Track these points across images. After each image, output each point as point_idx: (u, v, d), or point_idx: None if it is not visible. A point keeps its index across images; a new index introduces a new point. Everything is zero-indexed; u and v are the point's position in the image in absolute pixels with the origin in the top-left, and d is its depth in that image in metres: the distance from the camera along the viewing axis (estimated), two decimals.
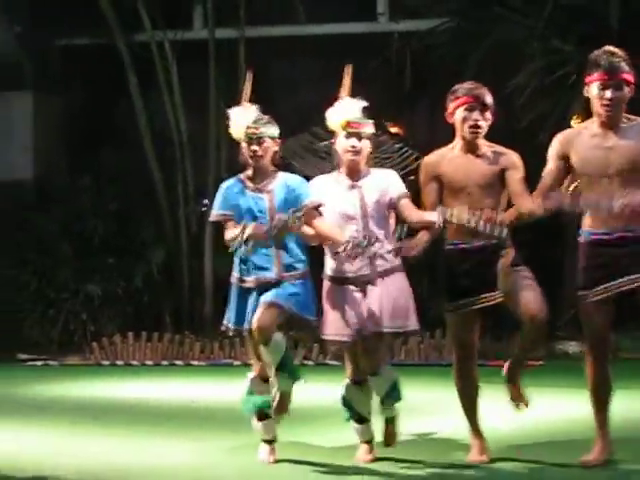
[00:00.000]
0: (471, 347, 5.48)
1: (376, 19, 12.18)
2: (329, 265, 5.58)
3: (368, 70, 10.59)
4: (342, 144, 5.50)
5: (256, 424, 5.63)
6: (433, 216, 5.26)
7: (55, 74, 12.19)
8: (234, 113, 5.64)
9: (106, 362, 10.76)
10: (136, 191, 11.85)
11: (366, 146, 5.52)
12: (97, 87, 12.09)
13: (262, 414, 5.58)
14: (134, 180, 11.86)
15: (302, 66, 11.63)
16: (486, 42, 10.46)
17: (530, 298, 5.23)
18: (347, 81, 5.68)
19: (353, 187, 5.52)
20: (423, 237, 5.38)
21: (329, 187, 5.57)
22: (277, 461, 5.56)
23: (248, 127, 5.52)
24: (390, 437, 5.68)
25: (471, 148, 5.37)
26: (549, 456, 5.51)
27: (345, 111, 5.53)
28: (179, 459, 5.83)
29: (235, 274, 5.59)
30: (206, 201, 11.70)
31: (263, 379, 5.56)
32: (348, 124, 5.47)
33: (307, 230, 5.40)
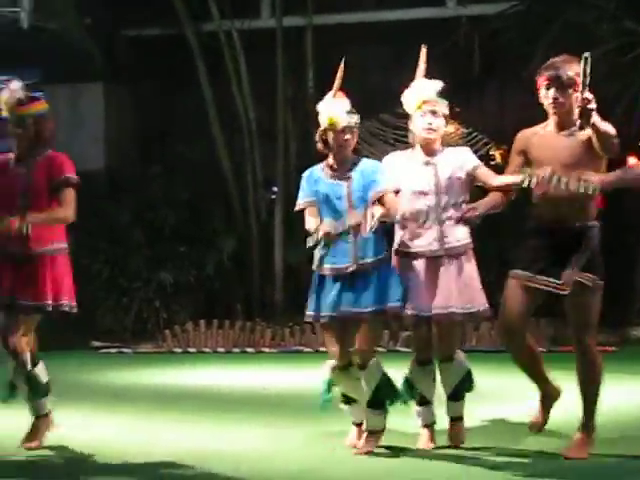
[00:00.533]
0: (517, 321, 5.31)
1: (444, 4, 12.09)
2: (400, 240, 5.60)
3: (436, 55, 10.54)
4: (418, 122, 5.54)
5: (345, 408, 5.69)
6: (517, 178, 5.24)
7: (125, 65, 12.31)
8: (326, 102, 5.62)
9: (178, 349, 10.87)
10: (206, 180, 11.93)
11: (441, 124, 5.56)
12: (166, 77, 12.19)
13: (347, 399, 5.63)
14: (204, 169, 11.94)
15: (370, 53, 11.58)
16: (556, 24, 10.32)
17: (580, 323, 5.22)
18: (422, 62, 5.71)
19: (428, 163, 5.56)
20: (491, 199, 5.38)
21: (403, 163, 5.61)
22: (349, 447, 5.58)
23: (341, 117, 5.51)
24: (456, 437, 5.63)
25: (561, 126, 5.29)
26: (625, 447, 5.44)
27: (421, 91, 5.57)
28: (250, 445, 5.88)
29: (315, 261, 5.62)
30: (275, 189, 11.75)
31: (342, 367, 5.57)
32: (424, 102, 5.51)
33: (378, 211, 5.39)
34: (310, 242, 5.43)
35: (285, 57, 11.60)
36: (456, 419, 5.65)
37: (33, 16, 11.47)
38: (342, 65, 5.67)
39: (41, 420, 5.77)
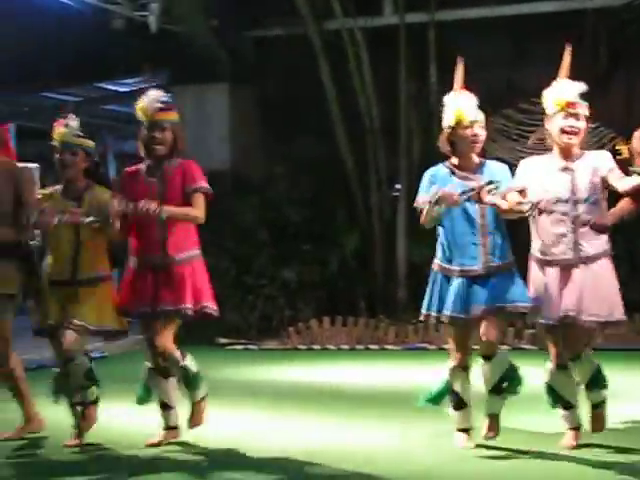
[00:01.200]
0: None
1: None
2: (535, 246, 5.55)
3: (560, 49, 10.39)
4: (559, 124, 5.42)
5: (452, 412, 5.63)
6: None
7: (249, 65, 12.46)
8: (451, 99, 5.59)
9: (303, 346, 10.96)
10: (329, 178, 12.00)
11: (583, 127, 5.44)
12: (290, 76, 12.30)
13: (458, 403, 5.58)
14: (327, 167, 12.00)
15: (492, 48, 11.48)
16: None
17: None
18: (566, 61, 5.60)
19: (565, 169, 5.45)
20: (620, 208, 5.31)
21: (539, 168, 5.50)
22: (477, 446, 5.55)
23: (469, 111, 5.49)
24: (598, 422, 5.58)
25: None
26: None
27: (563, 92, 5.45)
28: (377, 442, 5.91)
29: (437, 261, 5.59)
30: (398, 186, 11.74)
31: (463, 368, 5.55)
32: (568, 104, 5.40)
33: (501, 203, 5.34)
34: (426, 207, 5.36)
35: (408, 54, 11.59)
36: (597, 405, 5.57)
37: (161, 20, 11.70)
38: (461, 62, 5.62)
39: (200, 403, 5.94)
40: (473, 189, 5.29)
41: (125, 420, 6.55)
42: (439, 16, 11.69)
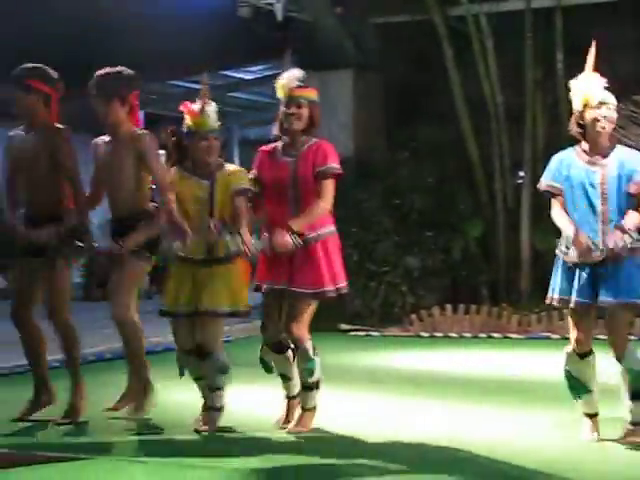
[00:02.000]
0: None
1: None
2: None
3: None
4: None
5: (576, 399, 5.55)
6: None
7: (373, 52, 12.47)
8: (581, 81, 5.49)
9: (425, 333, 10.96)
10: (453, 164, 11.94)
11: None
12: (414, 63, 12.27)
13: (579, 388, 5.50)
14: (451, 153, 11.95)
15: (621, 33, 11.25)
16: None
17: None
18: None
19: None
20: None
21: None
22: (600, 439, 5.46)
23: (598, 92, 5.39)
24: None
25: None
26: None
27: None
28: (499, 430, 5.87)
29: (561, 247, 5.52)
30: (522, 174, 11.62)
31: (580, 354, 5.46)
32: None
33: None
34: (561, 248, 5.39)
35: (533, 39, 11.44)
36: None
37: (287, 8, 11.80)
38: (593, 47, 5.52)
39: (312, 411, 5.85)
40: (602, 250, 5.27)
41: (251, 403, 6.65)
42: (566, 1, 11.50)
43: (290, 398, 5.95)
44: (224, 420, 5.88)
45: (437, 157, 11.89)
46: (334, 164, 5.73)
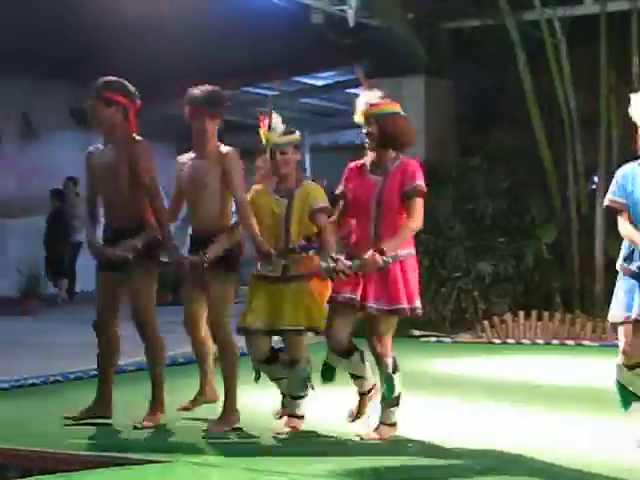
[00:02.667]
0: None
1: None
2: None
3: None
4: None
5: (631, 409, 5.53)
6: None
7: (445, 57, 12.45)
8: (637, 98, 5.49)
9: (497, 340, 10.90)
10: (525, 170, 11.87)
11: None
12: (486, 68, 12.22)
13: (631, 399, 5.48)
14: (523, 159, 11.89)
15: None
16: None
17: None
18: None
19: None
20: None
21: None
22: None
23: None
24: None
25: None
26: None
27: None
28: (573, 439, 5.84)
29: (620, 261, 5.48)
30: (596, 179, 11.50)
31: (629, 367, 5.42)
32: None
33: None
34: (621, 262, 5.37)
35: (608, 43, 11.32)
36: None
37: (359, 14, 11.83)
38: None
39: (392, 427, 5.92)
40: None
41: (321, 408, 6.68)
42: None
43: (362, 394, 6.01)
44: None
45: (509, 162, 11.84)
46: (420, 182, 5.78)
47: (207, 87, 6.05)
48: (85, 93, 6.22)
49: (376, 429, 5.81)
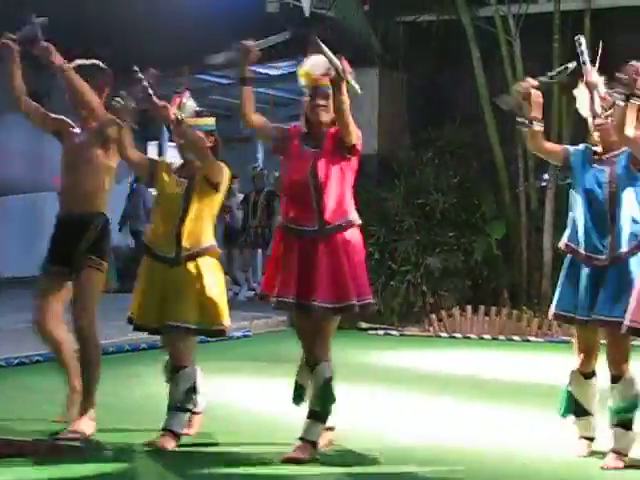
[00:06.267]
0: None
1: None
2: None
3: None
4: None
5: (573, 419, 5.41)
6: None
7: (400, 50, 12.45)
8: (580, 94, 5.54)
9: (445, 334, 10.94)
10: (477, 165, 11.92)
11: None
12: (440, 62, 12.24)
13: (579, 410, 5.35)
14: (475, 154, 11.93)
15: None
16: None
17: None
18: None
19: None
20: None
21: None
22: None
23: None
24: None
25: None
26: None
27: None
28: (511, 435, 5.88)
29: (564, 240, 5.36)
30: (546, 176, 11.57)
31: (584, 374, 5.35)
32: None
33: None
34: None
35: (562, 42, 11.38)
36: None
37: (314, 4, 11.80)
38: (599, 52, 5.42)
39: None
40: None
41: (272, 397, 6.66)
42: (595, 3, 11.46)
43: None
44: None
45: (461, 157, 11.87)
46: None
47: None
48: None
49: (296, 450, 5.14)
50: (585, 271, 5.21)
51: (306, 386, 5.29)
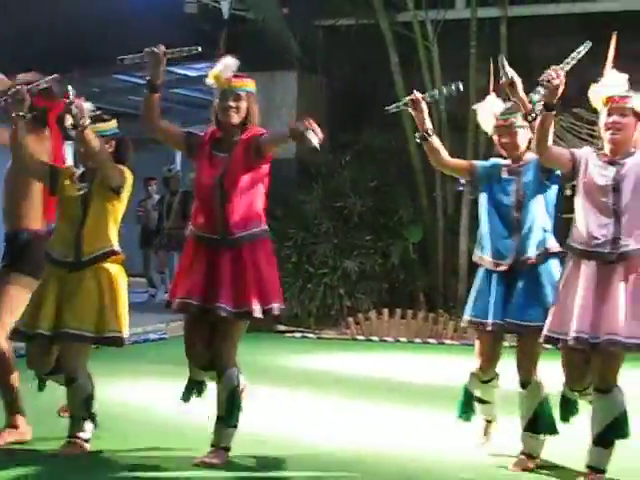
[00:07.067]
0: None
1: None
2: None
3: (633, 49, 10.25)
4: (603, 121, 4.99)
5: (477, 405, 5.58)
6: None
7: (319, 54, 12.47)
8: (480, 108, 5.61)
9: (361, 337, 10.97)
10: (395, 169, 11.98)
11: (630, 124, 4.92)
12: (359, 66, 12.29)
13: (480, 400, 5.52)
14: (393, 158, 11.99)
15: (565, 45, 11.28)
16: None
17: None
18: (612, 52, 5.28)
19: (611, 163, 4.96)
20: None
21: (589, 159, 5.04)
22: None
23: (497, 119, 5.46)
24: None
25: None
26: None
27: (608, 86, 5.07)
28: (426, 436, 5.90)
29: (477, 252, 5.48)
30: (463, 181, 11.65)
31: (483, 381, 5.45)
32: (609, 100, 4.99)
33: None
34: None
35: (479, 49, 11.51)
36: (597, 470, 4.89)
37: (233, 6, 11.77)
38: (503, 63, 5.43)
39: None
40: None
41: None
42: (512, 11, 11.62)
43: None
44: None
45: (380, 161, 11.92)
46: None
47: None
48: None
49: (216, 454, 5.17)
50: (495, 277, 5.30)
51: (200, 381, 5.35)
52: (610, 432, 4.83)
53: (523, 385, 5.23)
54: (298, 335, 11.08)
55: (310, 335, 11.09)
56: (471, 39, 11.51)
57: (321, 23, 12.52)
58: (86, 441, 5.31)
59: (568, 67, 4.92)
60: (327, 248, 11.43)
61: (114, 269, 5.36)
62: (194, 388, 5.38)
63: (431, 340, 10.78)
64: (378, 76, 12.09)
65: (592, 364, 4.87)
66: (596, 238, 4.83)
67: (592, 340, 4.72)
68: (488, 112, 5.54)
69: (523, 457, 5.23)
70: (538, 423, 5.22)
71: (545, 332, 4.93)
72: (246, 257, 5.10)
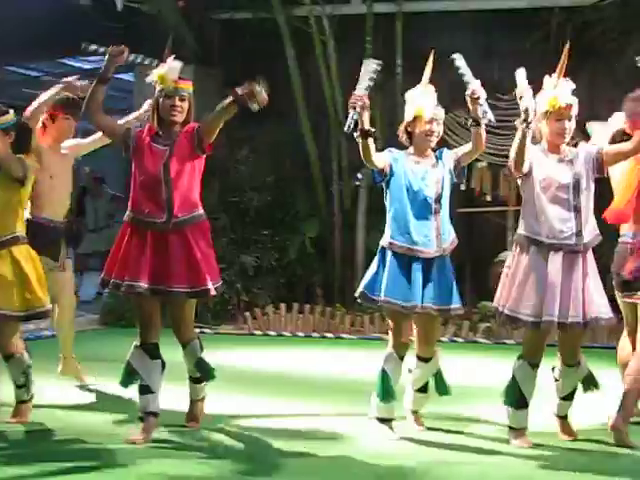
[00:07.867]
0: None
1: None
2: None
3: (527, 45, 10.44)
4: (552, 126, 5.43)
5: (377, 401, 5.72)
6: None
7: (215, 47, 12.41)
8: (415, 93, 5.72)
9: (259, 332, 10.96)
10: (292, 164, 11.99)
11: (571, 127, 5.46)
12: (256, 60, 12.25)
13: (388, 394, 5.67)
14: (290, 153, 12.00)
15: (459, 42, 11.49)
16: None
17: None
18: (564, 61, 5.60)
19: (561, 161, 5.44)
20: None
21: (540, 158, 5.46)
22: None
23: (429, 108, 5.65)
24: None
25: None
26: None
27: (556, 93, 5.45)
28: (322, 428, 5.94)
29: (388, 238, 5.62)
30: (360, 176, 11.75)
31: (399, 356, 5.65)
32: (565, 107, 5.41)
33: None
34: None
35: (374, 44, 11.58)
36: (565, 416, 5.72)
37: None
38: (432, 56, 5.64)
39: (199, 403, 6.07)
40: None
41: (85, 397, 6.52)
42: (407, 7, 11.72)
43: (148, 414, 5.65)
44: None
45: (276, 156, 11.92)
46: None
47: None
48: None
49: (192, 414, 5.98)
50: (415, 264, 5.55)
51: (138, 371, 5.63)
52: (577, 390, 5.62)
53: (426, 360, 5.76)
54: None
55: (207, 330, 11.00)
56: (367, 34, 11.57)
57: (218, 16, 12.45)
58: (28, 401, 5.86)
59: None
60: (224, 243, 11.37)
61: (27, 250, 5.76)
62: (132, 373, 5.67)
63: (328, 334, 10.83)
64: (276, 70, 12.06)
65: (561, 343, 5.52)
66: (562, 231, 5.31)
67: (561, 320, 5.25)
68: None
69: (414, 415, 5.92)
70: (427, 384, 5.86)
71: (506, 311, 5.36)
72: (191, 239, 5.52)
